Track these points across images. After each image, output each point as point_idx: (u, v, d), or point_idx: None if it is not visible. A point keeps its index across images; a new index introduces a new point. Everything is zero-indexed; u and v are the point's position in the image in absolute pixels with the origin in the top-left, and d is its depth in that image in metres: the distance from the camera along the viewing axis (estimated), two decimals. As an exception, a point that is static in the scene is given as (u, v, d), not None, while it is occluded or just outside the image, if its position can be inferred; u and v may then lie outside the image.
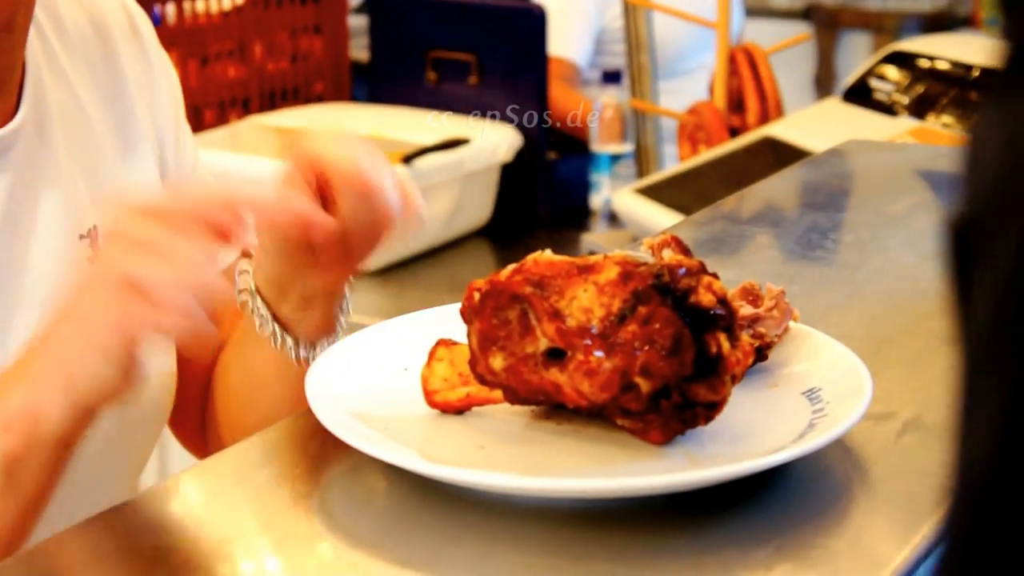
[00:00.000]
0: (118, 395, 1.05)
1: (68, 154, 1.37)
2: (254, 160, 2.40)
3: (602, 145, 2.48)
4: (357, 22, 2.91)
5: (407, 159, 2.33)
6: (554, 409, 1.05)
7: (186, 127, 1.54)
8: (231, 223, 1.03)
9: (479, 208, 2.51)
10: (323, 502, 0.99)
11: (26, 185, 1.32)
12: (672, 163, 2.47)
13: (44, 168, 1.34)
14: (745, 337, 1.02)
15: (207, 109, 2.62)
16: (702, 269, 0.97)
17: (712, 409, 0.96)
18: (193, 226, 1.02)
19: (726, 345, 0.95)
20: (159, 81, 1.50)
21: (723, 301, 0.96)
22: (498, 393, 1.03)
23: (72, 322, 1.04)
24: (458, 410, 1.07)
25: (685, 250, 1.03)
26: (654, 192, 2.15)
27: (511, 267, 1.01)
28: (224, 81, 2.70)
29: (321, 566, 0.94)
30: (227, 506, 1.03)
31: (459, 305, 1.07)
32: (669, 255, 1.01)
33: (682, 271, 0.96)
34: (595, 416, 1.02)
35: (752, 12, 4.31)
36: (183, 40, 2.65)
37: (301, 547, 0.96)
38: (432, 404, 1.07)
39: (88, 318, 1.03)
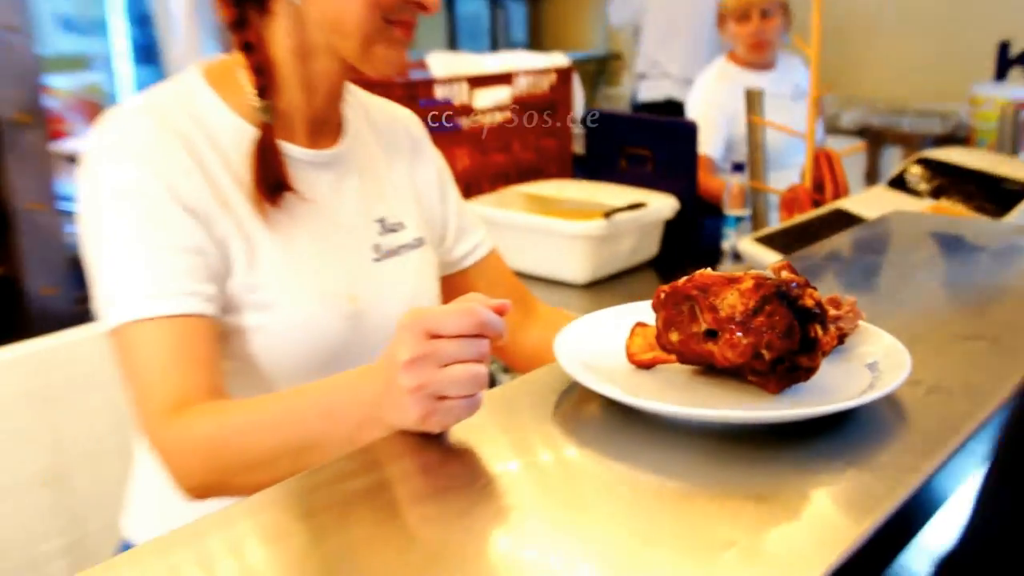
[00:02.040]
0: None
1: (364, 171, 1.41)
2: (509, 213, 2.43)
3: (731, 210, 2.47)
4: (578, 130, 2.93)
5: (607, 214, 2.34)
6: (708, 368, 1.07)
7: (453, 187, 1.58)
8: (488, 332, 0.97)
9: (650, 247, 2.52)
10: (563, 421, 1.01)
11: (340, 181, 1.37)
12: (775, 223, 2.44)
13: (351, 176, 1.40)
14: (832, 328, 1.03)
15: (484, 182, 2.66)
16: (806, 284, 1.01)
17: (810, 372, 1.00)
18: (466, 336, 0.96)
19: (820, 332, 0.99)
20: (426, 160, 1.54)
21: (819, 304, 1.00)
22: (673, 356, 1.06)
23: (391, 409, 0.97)
24: (647, 366, 1.09)
25: (795, 272, 1.05)
26: (764, 240, 2.16)
27: (684, 278, 1.04)
28: (494, 164, 2.74)
29: (562, 462, 0.95)
30: (516, 417, 1.04)
31: (648, 302, 1.10)
32: (785, 274, 1.02)
33: (794, 284, 0.99)
34: (734, 374, 1.04)
35: (829, 129, 4.32)
36: (471, 140, 2.70)
37: (553, 447, 0.97)
38: (632, 361, 1.10)
39: (402, 409, 0.96)
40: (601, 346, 1.12)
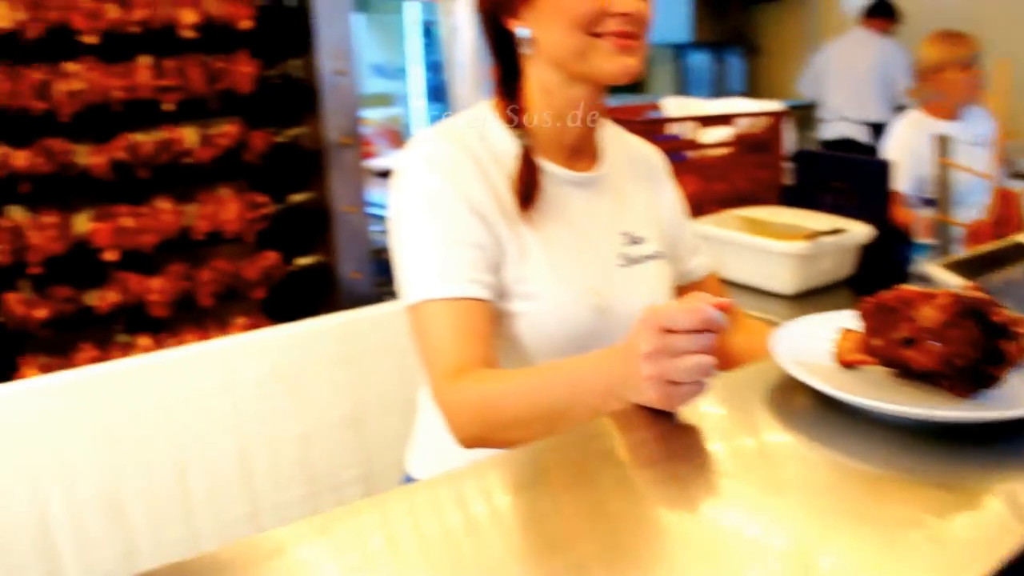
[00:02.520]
0: None
1: (615, 192, 1.42)
2: (728, 232, 2.39)
3: (920, 239, 2.35)
4: (788, 164, 2.85)
5: (811, 237, 2.28)
6: (905, 371, 1.02)
7: (686, 214, 1.58)
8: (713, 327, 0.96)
9: (847, 267, 2.42)
10: (775, 409, 0.99)
11: (595, 198, 1.38)
12: (960, 252, 2.31)
13: (604, 195, 1.41)
14: (1018, 343, 0.96)
15: (707, 205, 2.62)
16: (994, 302, 0.93)
17: (996, 381, 0.93)
18: (695, 331, 0.95)
19: (1007, 346, 0.91)
20: (666, 188, 1.54)
21: (1007, 321, 0.92)
22: (875, 359, 1.02)
23: (631, 390, 0.98)
24: (852, 366, 1.05)
25: (985, 291, 0.98)
26: (951, 267, 2.04)
27: (887, 291, 1.00)
28: (716, 191, 2.70)
29: (770, 445, 0.93)
30: (734, 403, 1.03)
31: (849, 312, 1.06)
32: (976, 294, 0.96)
33: (985, 302, 0.92)
34: (927, 378, 0.98)
35: (1010, 173, 4.05)
36: (697, 169, 2.67)
37: (764, 431, 0.95)
38: (839, 361, 1.06)
39: (640, 392, 0.97)
40: (809, 347, 1.09)
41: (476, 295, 1.23)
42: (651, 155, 1.56)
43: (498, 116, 1.35)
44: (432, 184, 1.26)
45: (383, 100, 5.05)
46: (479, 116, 1.36)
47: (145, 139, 2.55)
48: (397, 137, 4.74)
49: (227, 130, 2.67)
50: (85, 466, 1.68)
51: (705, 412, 0.99)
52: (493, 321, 1.26)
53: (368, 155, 4.33)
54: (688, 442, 0.94)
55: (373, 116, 4.81)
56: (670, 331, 0.95)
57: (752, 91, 4.27)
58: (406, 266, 1.26)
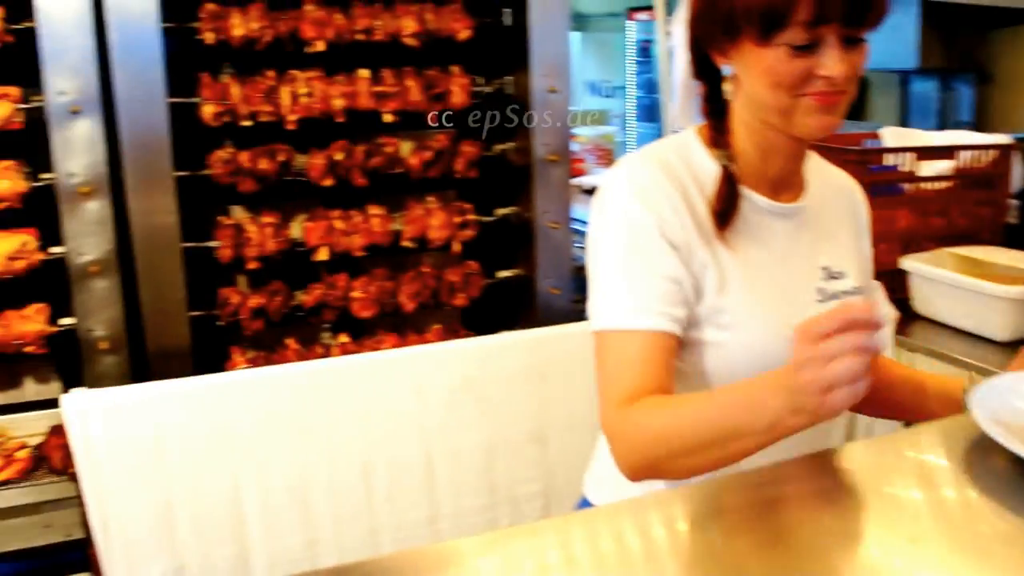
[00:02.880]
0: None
1: (817, 225, 1.39)
2: (943, 271, 2.26)
3: None
4: (1014, 202, 2.66)
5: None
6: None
7: (869, 242, 1.53)
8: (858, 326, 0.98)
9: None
10: (969, 466, 0.92)
11: (796, 230, 1.36)
12: None
13: (806, 228, 1.38)
14: None
15: (921, 241, 2.48)
16: None
17: None
18: (849, 338, 0.97)
19: None
20: (865, 223, 1.51)
21: None
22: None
23: (796, 405, 1.02)
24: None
25: None
26: None
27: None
28: (932, 227, 2.56)
29: (962, 502, 0.87)
30: (924, 454, 0.98)
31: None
32: None
33: None
34: None
35: None
36: (912, 203, 2.54)
37: (956, 487, 0.89)
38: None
39: (802, 404, 1.01)
40: (1013, 404, 1.00)
41: (664, 328, 1.23)
42: (852, 188, 1.53)
43: (701, 140, 1.34)
44: (634, 212, 1.26)
45: (597, 118, 5.08)
46: (684, 140, 1.36)
47: (362, 148, 2.67)
48: (608, 155, 4.75)
49: (440, 142, 2.76)
50: (278, 458, 1.78)
51: (885, 462, 0.96)
52: (675, 356, 1.26)
53: (577, 172, 4.37)
54: (871, 493, 0.90)
55: (585, 133, 4.85)
56: (817, 338, 0.99)
57: (981, 122, 4.00)
58: (598, 290, 1.28)
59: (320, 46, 2.55)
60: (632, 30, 5.29)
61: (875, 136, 2.65)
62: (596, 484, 1.49)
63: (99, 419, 1.66)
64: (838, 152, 1.51)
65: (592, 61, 5.66)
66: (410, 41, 2.65)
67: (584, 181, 4.42)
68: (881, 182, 2.42)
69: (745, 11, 1.20)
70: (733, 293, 1.27)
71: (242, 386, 1.79)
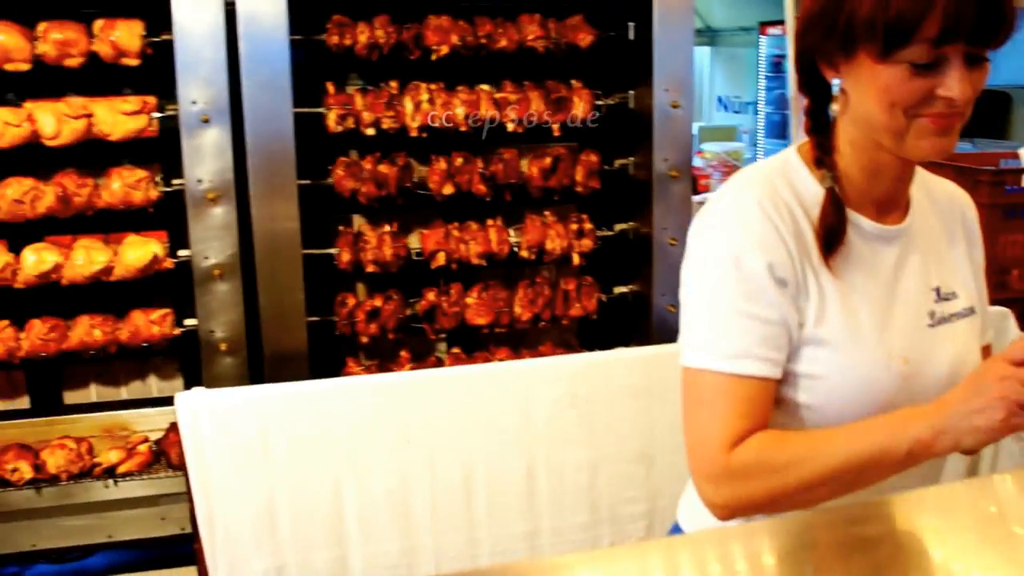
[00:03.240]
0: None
1: (925, 245, 1.32)
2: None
3: None
4: None
5: None
6: None
7: (981, 254, 1.44)
8: None
9: None
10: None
11: (904, 253, 1.29)
12: None
13: (914, 249, 1.30)
14: None
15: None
16: None
17: None
18: None
19: None
20: (977, 239, 1.42)
21: None
22: None
23: (972, 416, 1.04)
24: None
25: None
26: None
27: None
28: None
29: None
30: None
31: None
32: None
33: None
34: None
35: None
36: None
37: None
38: None
39: (986, 414, 1.04)
40: None
41: (763, 373, 1.17)
42: (961, 198, 1.43)
43: (803, 160, 1.29)
44: (735, 245, 1.19)
45: (726, 134, 5.01)
46: (786, 160, 1.30)
47: (482, 157, 2.70)
48: (733, 172, 4.69)
49: (560, 154, 2.76)
50: (380, 464, 1.80)
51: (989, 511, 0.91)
52: (773, 397, 1.20)
53: (702, 188, 4.31)
54: (971, 539, 0.85)
55: (713, 149, 4.78)
56: (1017, 363, 1.03)
57: None
58: (692, 324, 1.21)
59: (444, 50, 2.59)
60: (764, 45, 5.21)
61: (1016, 156, 2.52)
62: (689, 510, 1.45)
63: (209, 418, 1.71)
64: (970, 172, 1.43)
65: (722, 76, 5.59)
66: (537, 44, 2.66)
67: (707, 197, 4.37)
68: (1019, 204, 2.29)
69: (867, 24, 1.13)
70: (832, 323, 1.20)
71: (347, 392, 1.82)
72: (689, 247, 1.27)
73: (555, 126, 2.72)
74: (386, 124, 2.59)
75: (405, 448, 1.83)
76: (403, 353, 2.71)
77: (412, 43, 2.59)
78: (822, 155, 1.26)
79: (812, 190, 1.25)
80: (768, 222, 1.20)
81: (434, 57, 2.60)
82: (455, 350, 2.80)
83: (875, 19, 1.11)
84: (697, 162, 4.75)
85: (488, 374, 1.96)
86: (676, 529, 1.46)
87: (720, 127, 5.11)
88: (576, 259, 2.79)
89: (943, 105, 1.13)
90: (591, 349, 2.90)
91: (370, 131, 2.58)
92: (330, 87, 2.61)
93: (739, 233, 1.20)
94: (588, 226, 2.82)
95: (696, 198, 3.37)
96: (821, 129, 1.27)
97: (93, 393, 2.74)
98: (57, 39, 2.39)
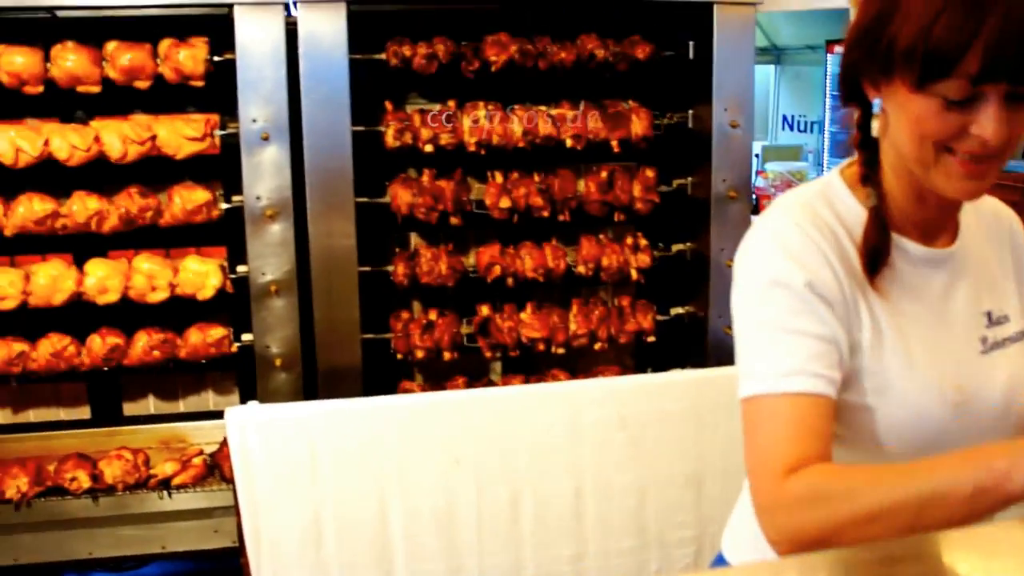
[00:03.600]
0: None
1: (974, 267, 1.28)
2: None
3: None
4: None
5: None
6: None
7: None
8: None
9: None
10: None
11: (953, 278, 1.25)
12: None
13: (964, 273, 1.26)
14: None
15: None
16: None
17: None
18: None
19: None
20: (1021, 254, 1.37)
21: None
22: None
23: None
24: None
25: None
26: None
27: None
28: None
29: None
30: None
31: None
32: None
33: None
34: None
35: None
36: None
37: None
38: None
39: None
40: None
41: (817, 390, 1.13)
42: (1007, 216, 1.38)
43: (845, 181, 1.27)
44: (779, 268, 1.16)
45: (790, 153, 4.95)
46: (827, 183, 1.26)
47: (539, 174, 2.71)
48: (797, 192, 4.62)
49: (617, 172, 2.77)
50: (426, 483, 1.81)
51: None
52: (832, 419, 1.16)
53: (764, 209, 4.26)
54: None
55: (776, 169, 4.73)
56: None
57: None
58: (743, 353, 1.19)
59: (502, 58, 2.61)
60: (830, 63, 5.14)
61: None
62: (734, 542, 1.43)
63: (257, 433, 1.75)
64: (1017, 189, 1.40)
65: (787, 94, 5.53)
66: (599, 52, 2.67)
67: (770, 218, 4.31)
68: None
69: (906, 51, 1.09)
70: (887, 352, 1.17)
71: (395, 409, 1.84)
72: (733, 277, 1.26)
73: (613, 143, 2.72)
74: (444, 140, 2.62)
75: (453, 467, 1.84)
76: (458, 378, 2.72)
77: (471, 54, 2.62)
78: (868, 172, 1.23)
79: (855, 211, 1.22)
80: (809, 242, 1.17)
81: (493, 69, 2.62)
82: (513, 374, 2.81)
83: (914, 48, 1.07)
84: (760, 182, 4.71)
85: (537, 394, 1.97)
86: (720, 560, 1.44)
87: (784, 147, 5.05)
88: (634, 274, 2.79)
89: (976, 145, 1.08)
90: (647, 371, 2.89)
91: (428, 147, 2.61)
92: (388, 105, 2.65)
93: (778, 254, 1.17)
94: (644, 242, 2.81)
95: (756, 218, 3.34)
96: (868, 144, 1.23)
97: (151, 405, 2.81)
98: (124, 65, 2.46)
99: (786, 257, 1.16)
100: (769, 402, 1.14)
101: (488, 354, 2.75)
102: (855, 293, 1.18)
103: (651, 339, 2.84)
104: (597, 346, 2.76)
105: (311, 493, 1.76)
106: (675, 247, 2.88)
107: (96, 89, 2.48)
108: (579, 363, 2.89)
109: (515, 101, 2.71)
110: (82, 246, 2.61)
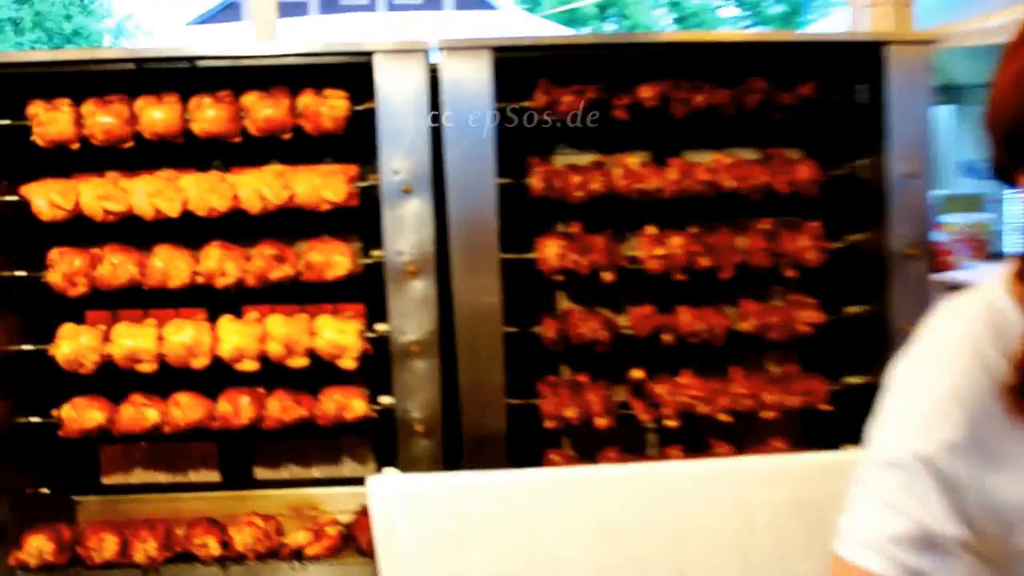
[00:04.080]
0: None
1: None
2: None
3: None
4: None
5: None
6: None
7: None
8: None
9: None
10: None
11: None
12: None
13: None
14: None
15: None
16: None
17: None
18: None
19: None
20: None
21: None
22: None
23: None
24: None
25: None
26: None
27: None
28: None
29: None
30: None
31: None
32: None
33: None
34: None
35: None
36: None
37: None
38: None
39: None
40: None
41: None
42: None
43: (1010, 292, 1.11)
44: (931, 392, 1.07)
45: (971, 203, 4.71)
46: (995, 297, 1.12)
47: (695, 228, 2.64)
48: (981, 247, 4.37)
49: (780, 226, 2.67)
50: (581, 564, 1.73)
51: None
52: None
53: (943, 266, 4.06)
54: None
55: (955, 221, 4.51)
56: None
57: None
58: (869, 499, 1.09)
59: (651, 93, 2.56)
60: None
61: None
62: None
63: (402, 505, 1.70)
64: None
65: (967, 138, 5.27)
66: (758, 94, 2.59)
67: (951, 277, 4.11)
68: None
69: None
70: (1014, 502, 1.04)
71: (549, 484, 1.77)
72: (896, 380, 1.14)
73: (780, 188, 2.63)
74: (594, 186, 2.57)
75: (609, 548, 1.76)
76: (610, 449, 2.64)
77: (622, 93, 2.57)
78: None
79: (1015, 330, 1.07)
80: (969, 374, 1.06)
81: (646, 105, 2.56)
82: (672, 448, 2.71)
83: None
84: (936, 236, 4.50)
85: (701, 472, 1.87)
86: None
87: (963, 196, 4.81)
88: (802, 328, 2.66)
89: None
90: (819, 447, 2.74)
91: (578, 193, 2.57)
92: (534, 160, 2.62)
93: (938, 384, 1.08)
94: (811, 301, 2.70)
95: (937, 277, 3.17)
96: None
97: (284, 470, 2.81)
98: (262, 120, 2.50)
99: (942, 387, 1.06)
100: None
101: (644, 416, 2.64)
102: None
103: (824, 407, 2.70)
104: (764, 413, 2.64)
105: (458, 569, 1.70)
106: (849, 309, 2.74)
107: (237, 139, 2.52)
108: (745, 438, 2.76)
109: (669, 152, 2.64)
110: (216, 300, 2.64)
